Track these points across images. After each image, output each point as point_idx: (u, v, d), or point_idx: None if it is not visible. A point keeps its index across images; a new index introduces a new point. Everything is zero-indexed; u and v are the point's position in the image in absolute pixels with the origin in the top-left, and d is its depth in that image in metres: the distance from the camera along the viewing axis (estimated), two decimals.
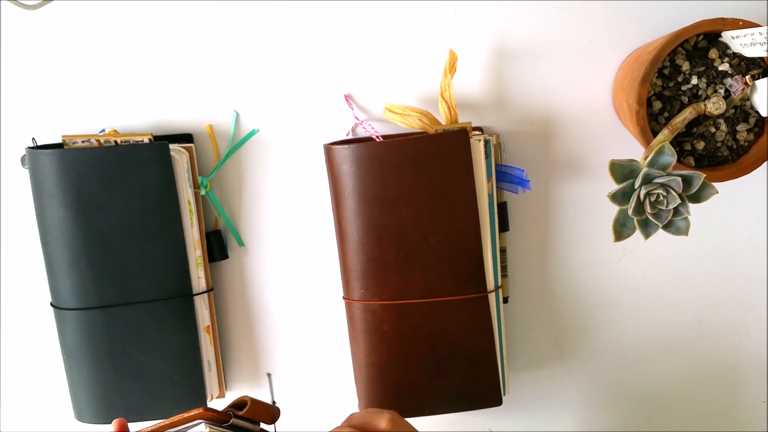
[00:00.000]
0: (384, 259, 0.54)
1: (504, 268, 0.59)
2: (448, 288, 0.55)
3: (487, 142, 0.54)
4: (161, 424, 0.41)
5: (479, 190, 0.54)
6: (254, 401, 0.43)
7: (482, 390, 0.57)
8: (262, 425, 0.46)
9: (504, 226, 0.58)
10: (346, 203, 0.54)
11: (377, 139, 0.55)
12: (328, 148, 0.55)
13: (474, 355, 0.56)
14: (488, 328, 0.56)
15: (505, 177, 0.56)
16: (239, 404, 0.43)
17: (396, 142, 0.53)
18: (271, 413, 0.44)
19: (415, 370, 0.56)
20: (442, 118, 0.54)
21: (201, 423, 0.40)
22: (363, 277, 0.55)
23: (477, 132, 0.57)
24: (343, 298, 0.58)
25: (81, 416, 0.59)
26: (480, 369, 0.56)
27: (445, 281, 0.54)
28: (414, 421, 0.63)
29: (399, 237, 0.54)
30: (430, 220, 0.53)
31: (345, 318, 0.60)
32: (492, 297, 0.56)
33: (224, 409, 0.42)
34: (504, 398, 0.58)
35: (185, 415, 0.41)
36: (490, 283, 0.55)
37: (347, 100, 0.58)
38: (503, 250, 0.59)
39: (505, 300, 0.60)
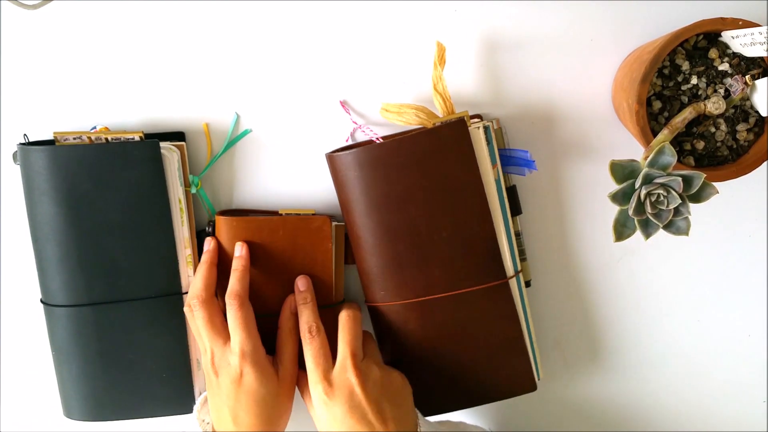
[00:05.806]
0: (400, 259, 0.54)
1: (522, 252, 0.58)
2: (468, 279, 0.54)
3: (486, 128, 0.53)
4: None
5: (485, 176, 0.53)
6: None
7: (515, 377, 0.56)
8: None
9: (516, 209, 0.57)
10: (355, 209, 0.54)
11: (377, 141, 0.54)
12: (331, 157, 0.54)
13: (502, 343, 0.55)
14: (513, 314, 0.55)
15: (510, 160, 0.55)
16: None
17: (396, 141, 0.52)
18: None
19: (446, 366, 0.56)
20: (438, 111, 0.54)
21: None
22: (382, 279, 0.55)
23: (476, 119, 0.56)
24: (366, 302, 0.57)
25: (70, 413, 0.58)
26: (510, 356, 0.56)
27: (463, 273, 0.54)
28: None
29: (411, 235, 0.53)
30: (440, 215, 0.53)
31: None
32: (513, 282, 0.55)
33: None
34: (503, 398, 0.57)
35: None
36: (509, 269, 0.55)
37: (343, 106, 0.58)
38: (518, 234, 0.57)
39: (528, 284, 0.59)
